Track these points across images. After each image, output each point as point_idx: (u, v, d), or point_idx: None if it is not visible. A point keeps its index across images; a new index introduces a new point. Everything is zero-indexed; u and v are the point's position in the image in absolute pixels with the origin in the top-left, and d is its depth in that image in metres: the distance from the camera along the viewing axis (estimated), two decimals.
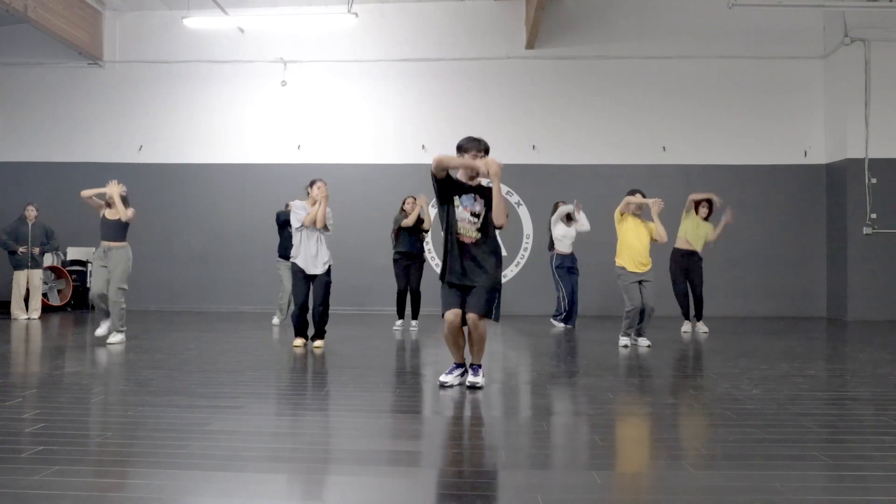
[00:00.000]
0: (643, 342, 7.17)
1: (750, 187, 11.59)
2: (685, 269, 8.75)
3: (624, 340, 7.20)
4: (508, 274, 11.76)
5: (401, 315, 9.10)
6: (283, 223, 9.18)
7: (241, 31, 11.96)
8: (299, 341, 7.02)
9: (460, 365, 5.00)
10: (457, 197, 4.80)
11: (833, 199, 11.44)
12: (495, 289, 4.82)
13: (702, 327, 8.76)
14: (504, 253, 11.82)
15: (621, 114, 11.77)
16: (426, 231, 9.05)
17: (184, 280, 12.00)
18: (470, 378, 4.87)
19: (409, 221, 8.77)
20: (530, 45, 11.67)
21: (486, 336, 4.88)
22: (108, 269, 7.19)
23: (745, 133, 11.67)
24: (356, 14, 10.75)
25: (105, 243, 7.25)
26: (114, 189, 7.24)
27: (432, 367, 6.12)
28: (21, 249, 10.26)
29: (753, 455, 3.22)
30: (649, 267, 7.18)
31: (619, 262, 7.25)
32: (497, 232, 4.94)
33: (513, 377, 5.58)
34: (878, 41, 11.03)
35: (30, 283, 10.37)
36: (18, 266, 10.31)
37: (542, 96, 11.86)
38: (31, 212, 10.38)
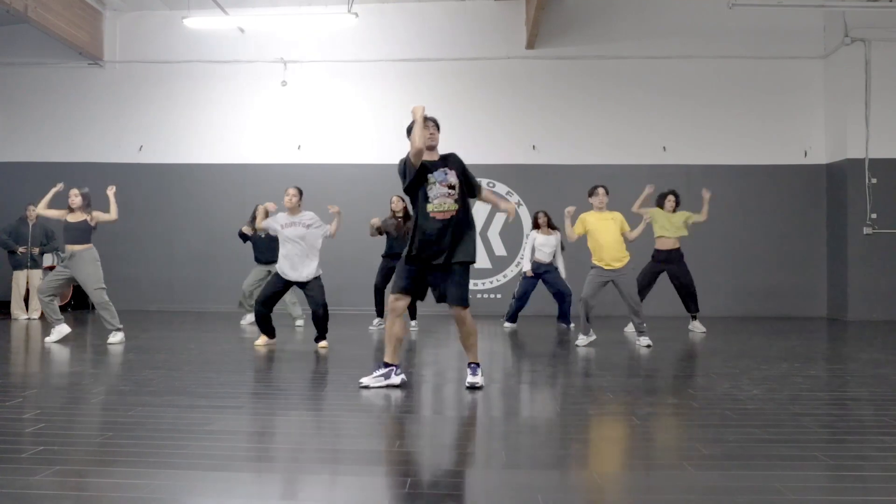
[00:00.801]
0: (644, 341, 7.14)
1: (750, 187, 11.59)
2: (660, 272, 8.63)
3: (582, 339, 7.24)
4: (508, 274, 11.76)
5: (380, 314, 8.76)
6: (243, 237, 9.37)
7: (242, 31, 11.96)
8: (262, 340, 7.00)
9: (389, 366, 4.83)
10: (430, 175, 4.76)
11: (833, 199, 11.44)
12: (469, 270, 4.81)
13: (698, 326, 8.68)
14: (504, 253, 11.86)
15: (622, 114, 11.77)
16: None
17: (184, 280, 11.99)
18: (469, 378, 4.83)
19: (373, 226, 8.79)
20: (531, 45, 11.68)
21: (476, 328, 4.85)
22: (72, 275, 7.23)
23: (746, 133, 11.67)
24: (356, 14, 10.75)
25: (70, 247, 7.26)
26: (68, 191, 7.42)
27: (432, 367, 6.13)
28: (21, 249, 10.27)
29: (754, 455, 3.22)
30: (625, 262, 7.21)
31: (593, 260, 7.34)
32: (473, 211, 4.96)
33: (512, 377, 5.58)
34: (879, 41, 11.02)
35: (29, 283, 10.38)
36: (18, 266, 10.32)
37: (542, 96, 11.86)
38: (32, 212, 10.38)
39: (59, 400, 4.42)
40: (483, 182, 12.05)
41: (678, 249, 8.61)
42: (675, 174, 11.53)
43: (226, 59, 12.14)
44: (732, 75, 11.70)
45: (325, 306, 6.91)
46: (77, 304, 11.68)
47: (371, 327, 8.75)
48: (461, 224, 4.76)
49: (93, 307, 7.34)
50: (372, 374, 4.87)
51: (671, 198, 8.69)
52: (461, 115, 11.80)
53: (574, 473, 3.02)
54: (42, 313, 10.51)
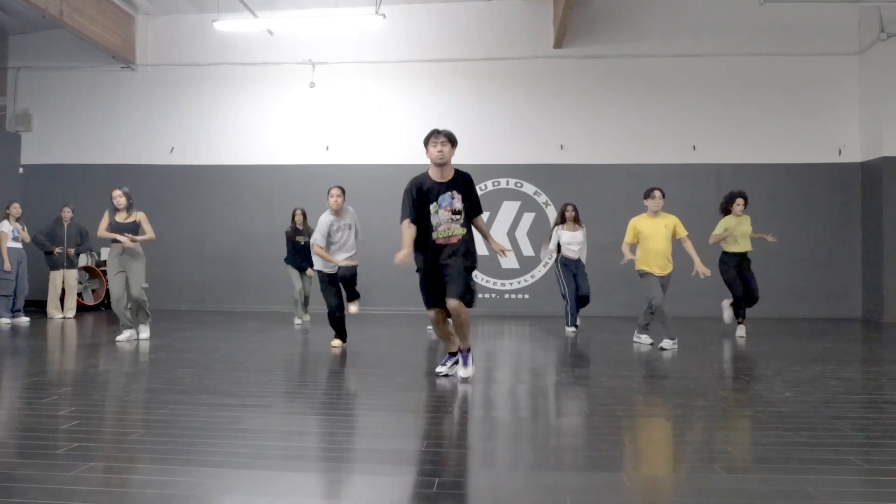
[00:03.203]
0: (667, 344, 6.88)
1: (782, 186, 11.41)
2: (740, 272, 7.95)
3: (645, 339, 7.22)
4: (536, 274, 11.71)
5: None
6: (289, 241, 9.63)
7: (271, 33, 12.07)
8: (337, 342, 7.01)
9: (454, 354, 5.20)
10: (433, 204, 4.80)
11: (869, 198, 11.21)
12: (469, 270, 4.89)
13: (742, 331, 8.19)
14: (532, 253, 11.80)
15: (650, 112, 11.66)
16: None
17: (214, 280, 12.14)
18: (459, 372, 5.07)
19: None
20: (558, 44, 11.62)
21: (469, 320, 4.95)
22: (124, 272, 7.38)
23: (778, 131, 11.49)
24: (384, 15, 10.79)
25: (118, 245, 7.41)
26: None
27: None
28: (57, 250, 10.48)
29: (786, 458, 3.17)
30: (669, 270, 7.06)
31: (640, 266, 7.03)
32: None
33: (540, 378, 5.55)
34: None
35: (65, 282, 10.58)
36: (54, 266, 10.53)
37: (570, 95, 11.79)
38: (67, 213, 10.59)
39: (93, 397, 4.50)
40: (511, 182, 12.12)
41: (747, 255, 8.05)
42: (705, 173, 11.40)
43: (255, 62, 12.26)
44: (764, 73, 11.53)
45: (354, 278, 6.91)
46: (110, 303, 11.86)
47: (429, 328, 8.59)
48: (465, 246, 4.87)
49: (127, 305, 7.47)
50: (444, 363, 5.28)
51: (740, 200, 7.99)
52: (488, 114, 11.81)
53: (603, 475, 3.00)
54: (76, 313, 10.73)
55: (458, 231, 4.80)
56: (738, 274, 7.97)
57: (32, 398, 4.40)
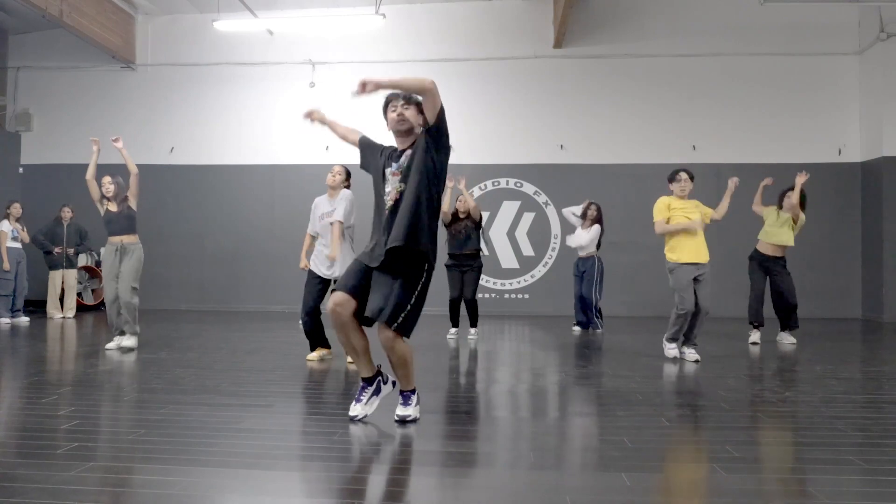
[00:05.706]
0: (691, 356, 6.17)
1: (782, 186, 11.36)
2: (766, 270, 7.61)
3: (672, 350, 6.27)
4: (536, 274, 11.72)
5: (455, 323, 8.11)
6: None
7: (271, 33, 12.08)
8: (316, 354, 6.15)
9: (368, 382, 3.93)
10: (388, 169, 3.87)
11: (868, 197, 11.21)
12: (411, 277, 3.66)
13: (787, 338, 7.62)
14: (532, 253, 11.81)
15: (650, 112, 11.67)
16: (477, 223, 7.91)
17: (214, 280, 12.15)
18: (398, 410, 3.85)
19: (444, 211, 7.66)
20: (558, 44, 11.62)
21: (408, 357, 3.76)
22: (118, 272, 6.68)
23: (778, 131, 11.49)
24: (384, 15, 10.80)
25: (115, 239, 6.76)
26: (118, 145, 7.09)
27: (464, 365, 6.12)
28: (56, 250, 10.48)
29: (786, 458, 3.17)
30: (708, 258, 6.18)
31: (671, 255, 6.19)
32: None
33: (541, 378, 5.55)
34: None
35: (65, 282, 10.60)
36: (54, 266, 10.54)
37: (570, 95, 11.80)
38: (67, 213, 10.60)
39: (93, 397, 4.50)
40: (511, 182, 12.10)
41: (782, 258, 7.60)
42: (705, 173, 11.36)
43: (255, 62, 12.27)
44: (764, 72, 11.54)
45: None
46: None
47: (449, 336, 8.04)
48: (407, 205, 3.68)
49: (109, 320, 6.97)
50: (358, 398, 3.96)
51: (789, 195, 7.64)
52: (489, 114, 11.81)
53: (603, 475, 3.00)
54: (76, 313, 10.73)
55: (398, 187, 3.75)
56: (764, 272, 7.62)
57: (32, 398, 4.41)
